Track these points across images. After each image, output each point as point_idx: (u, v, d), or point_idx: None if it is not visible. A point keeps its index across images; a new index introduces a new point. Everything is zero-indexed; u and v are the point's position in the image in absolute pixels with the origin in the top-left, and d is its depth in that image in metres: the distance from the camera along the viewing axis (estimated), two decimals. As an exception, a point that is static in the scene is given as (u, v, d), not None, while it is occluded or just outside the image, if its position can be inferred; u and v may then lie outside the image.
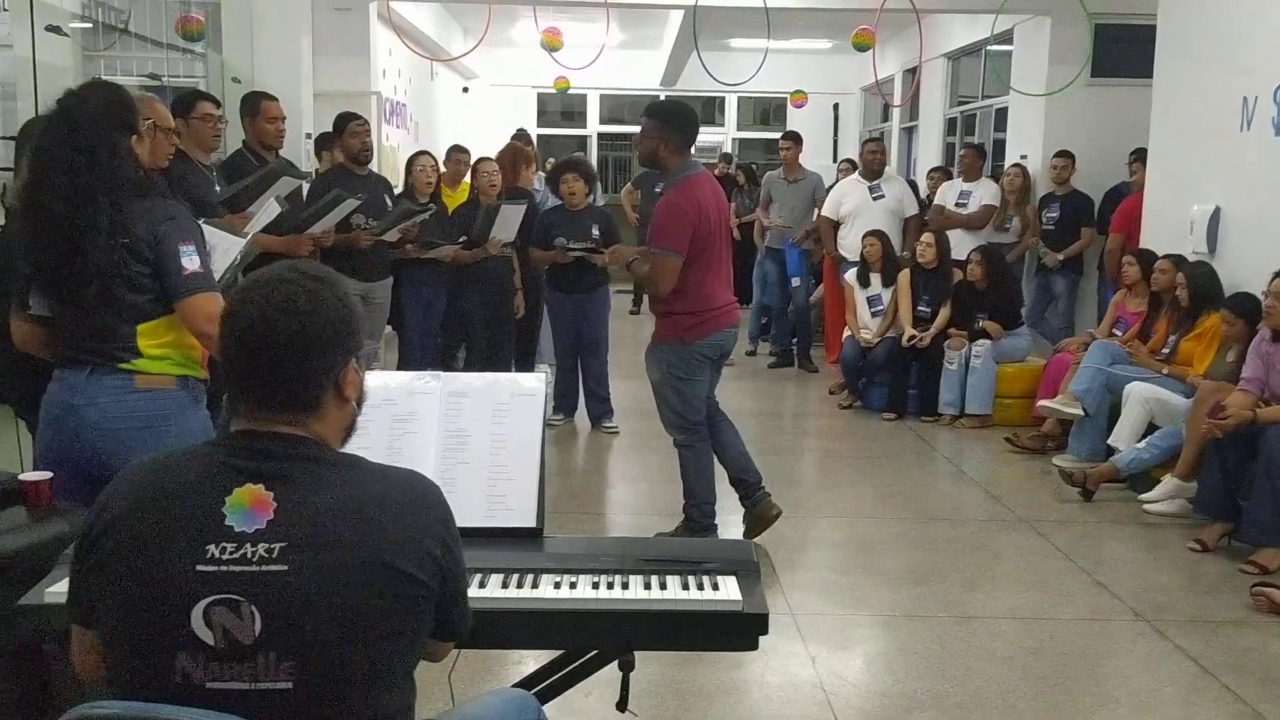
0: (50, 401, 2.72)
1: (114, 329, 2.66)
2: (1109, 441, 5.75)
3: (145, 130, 2.78)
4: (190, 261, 2.67)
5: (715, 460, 4.69)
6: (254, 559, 1.46)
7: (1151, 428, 5.57)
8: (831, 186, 9.18)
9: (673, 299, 4.42)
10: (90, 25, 6.84)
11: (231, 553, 1.46)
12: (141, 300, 2.66)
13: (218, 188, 4.64)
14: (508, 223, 6.27)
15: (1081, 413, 5.95)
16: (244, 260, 3.40)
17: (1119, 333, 6.46)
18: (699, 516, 4.65)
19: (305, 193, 5.25)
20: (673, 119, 4.48)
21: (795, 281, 8.93)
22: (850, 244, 8.25)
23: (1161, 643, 3.88)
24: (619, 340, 8.45)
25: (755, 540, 4.58)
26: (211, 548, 1.46)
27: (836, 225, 8.48)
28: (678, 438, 4.62)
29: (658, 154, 4.46)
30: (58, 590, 1.94)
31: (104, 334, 2.67)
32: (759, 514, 4.72)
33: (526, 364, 7.04)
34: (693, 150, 4.59)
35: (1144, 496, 5.35)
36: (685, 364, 4.47)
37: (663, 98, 10.84)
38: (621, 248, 5.41)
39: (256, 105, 5.28)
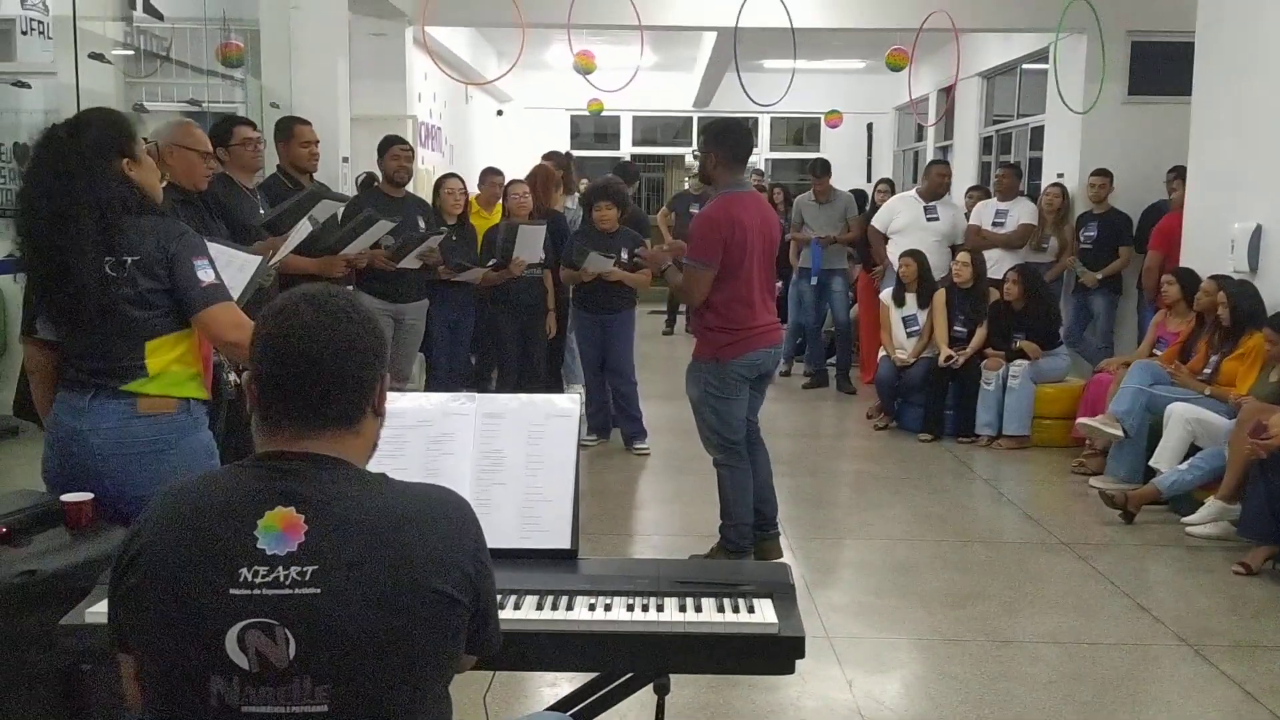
0: (55, 424, 2.76)
1: (119, 349, 2.69)
2: (1150, 463, 5.67)
3: (142, 153, 2.82)
4: (205, 274, 2.73)
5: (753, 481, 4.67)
6: (286, 582, 1.45)
7: (1193, 449, 5.49)
8: (870, 205, 9.17)
9: (709, 316, 4.43)
10: (132, 52, 6.95)
11: (264, 576, 1.46)
12: (151, 316, 2.70)
13: (262, 210, 4.71)
14: (529, 242, 6.29)
15: (1122, 434, 5.88)
16: (267, 280, 3.44)
17: (1160, 352, 6.38)
18: (735, 537, 4.62)
19: (341, 215, 5.31)
20: (721, 136, 4.52)
21: (814, 280, 8.91)
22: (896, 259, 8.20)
23: (1206, 668, 3.82)
24: (651, 361, 8.47)
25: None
26: (244, 571, 1.46)
27: (885, 238, 8.43)
28: (716, 457, 4.61)
29: (708, 169, 4.54)
30: (98, 611, 1.95)
31: (108, 354, 2.70)
32: (764, 550, 4.70)
33: (553, 384, 7.04)
34: (745, 165, 4.63)
35: (1186, 519, 5.27)
36: (721, 383, 4.46)
37: (697, 121, 10.85)
38: (655, 250, 5.45)
39: (290, 129, 5.40)
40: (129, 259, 2.66)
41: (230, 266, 3.17)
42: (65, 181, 2.62)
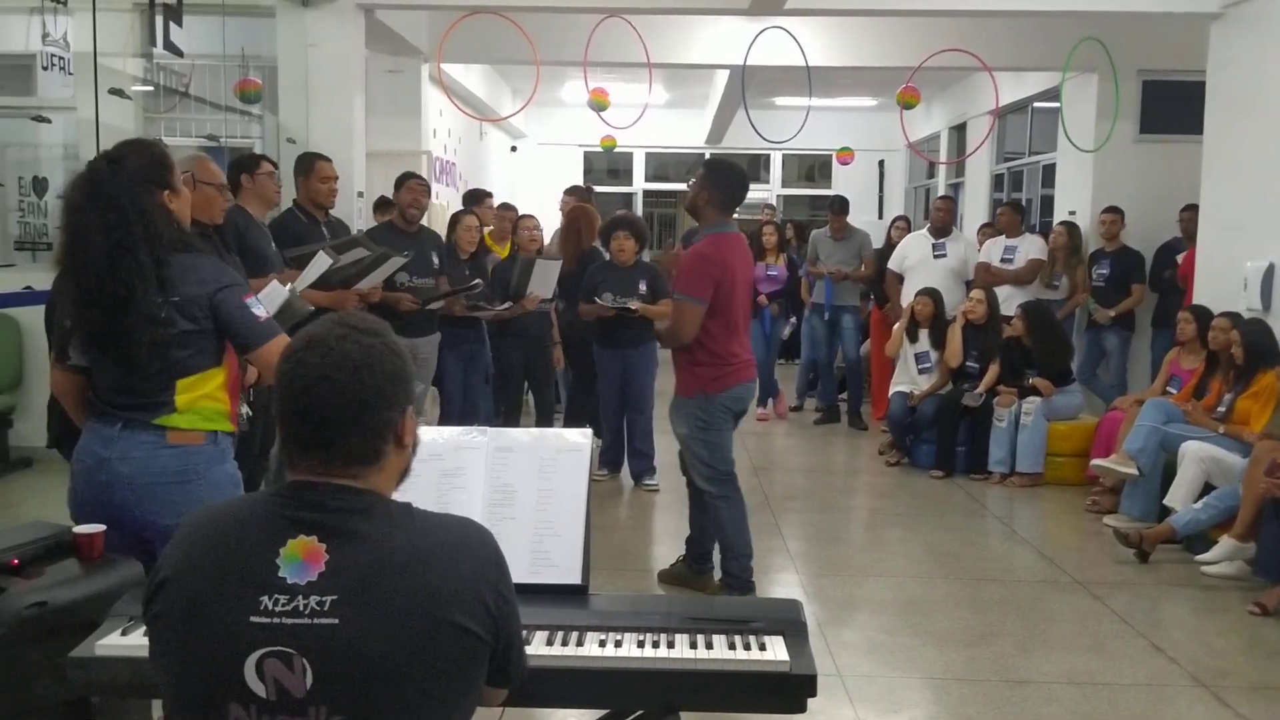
0: (83, 453, 2.76)
1: (151, 386, 2.69)
2: (1165, 501, 5.64)
3: (180, 184, 2.82)
4: (259, 310, 2.77)
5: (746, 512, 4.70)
6: (306, 611, 1.46)
7: (1208, 488, 5.45)
8: (886, 243, 9.21)
9: (699, 352, 4.50)
10: (152, 89, 7.04)
11: (284, 605, 1.47)
12: (184, 356, 2.70)
13: (273, 245, 4.75)
14: (544, 278, 6.30)
15: (1136, 472, 5.85)
16: (297, 314, 3.46)
17: (1173, 390, 6.35)
18: (737, 571, 4.60)
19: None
20: (719, 175, 4.59)
21: (826, 315, 8.89)
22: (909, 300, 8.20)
23: (1222, 710, 3.77)
24: (662, 396, 8.44)
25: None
26: (264, 599, 1.47)
27: (901, 279, 8.45)
28: (710, 490, 4.63)
29: (697, 204, 4.60)
30: (108, 643, 1.95)
31: (142, 390, 2.70)
32: (696, 581, 4.85)
33: (545, 419, 7.02)
34: (734, 211, 4.64)
35: (1201, 558, 5.23)
36: (709, 415, 4.54)
37: (708, 156, 10.94)
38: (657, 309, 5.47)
39: (311, 165, 5.41)
40: (172, 299, 2.65)
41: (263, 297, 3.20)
42: (119, 215, 2.61)
